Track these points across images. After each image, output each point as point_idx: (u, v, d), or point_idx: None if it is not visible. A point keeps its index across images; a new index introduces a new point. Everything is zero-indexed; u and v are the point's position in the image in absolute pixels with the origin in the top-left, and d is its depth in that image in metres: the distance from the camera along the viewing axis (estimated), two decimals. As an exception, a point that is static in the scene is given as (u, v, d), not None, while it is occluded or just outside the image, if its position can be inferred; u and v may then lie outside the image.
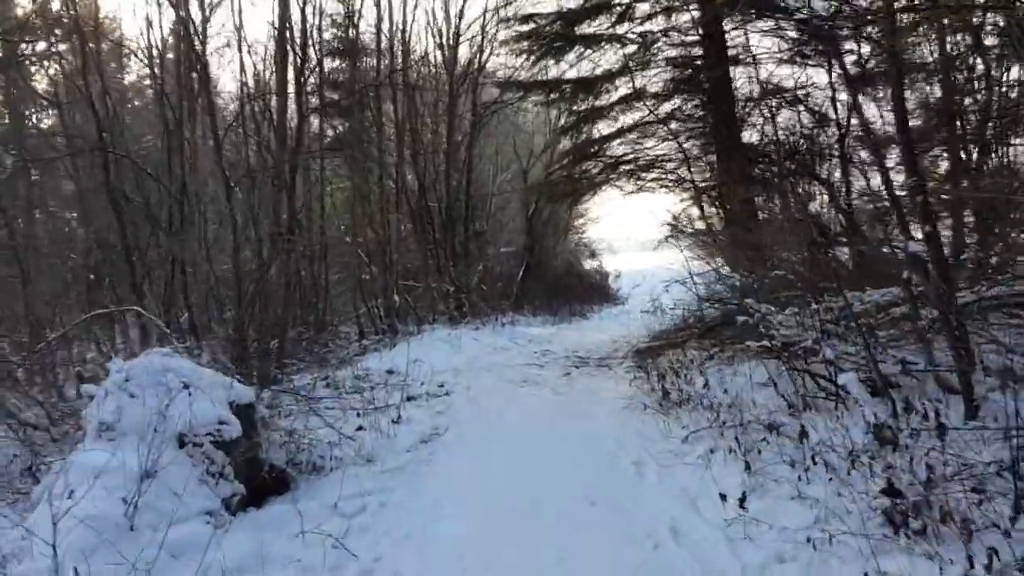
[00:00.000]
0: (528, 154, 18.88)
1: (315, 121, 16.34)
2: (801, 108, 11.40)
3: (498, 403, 7.67)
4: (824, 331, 5.73)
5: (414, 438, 6.50)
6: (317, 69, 15.08)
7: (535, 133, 21.33)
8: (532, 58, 11.04)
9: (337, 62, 17.54)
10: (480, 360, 11.08)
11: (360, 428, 6.72)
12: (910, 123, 11.92)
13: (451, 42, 16.91)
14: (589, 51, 10.48)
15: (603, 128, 11.79)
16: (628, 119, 11.40)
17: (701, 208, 12.21)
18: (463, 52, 17.64)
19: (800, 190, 11.29)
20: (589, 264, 21.18)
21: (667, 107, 11.51)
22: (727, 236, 10.94)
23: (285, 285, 11.40)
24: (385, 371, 10.59)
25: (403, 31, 16.05)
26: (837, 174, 11.22)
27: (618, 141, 11.69)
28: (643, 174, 11.27)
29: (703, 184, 11.93)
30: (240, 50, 12.70)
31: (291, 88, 12.39)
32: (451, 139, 17.05)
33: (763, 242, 9.82)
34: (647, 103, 11.53)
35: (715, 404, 6.09)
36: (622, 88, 11.32)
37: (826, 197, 11.11)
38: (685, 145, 11.90)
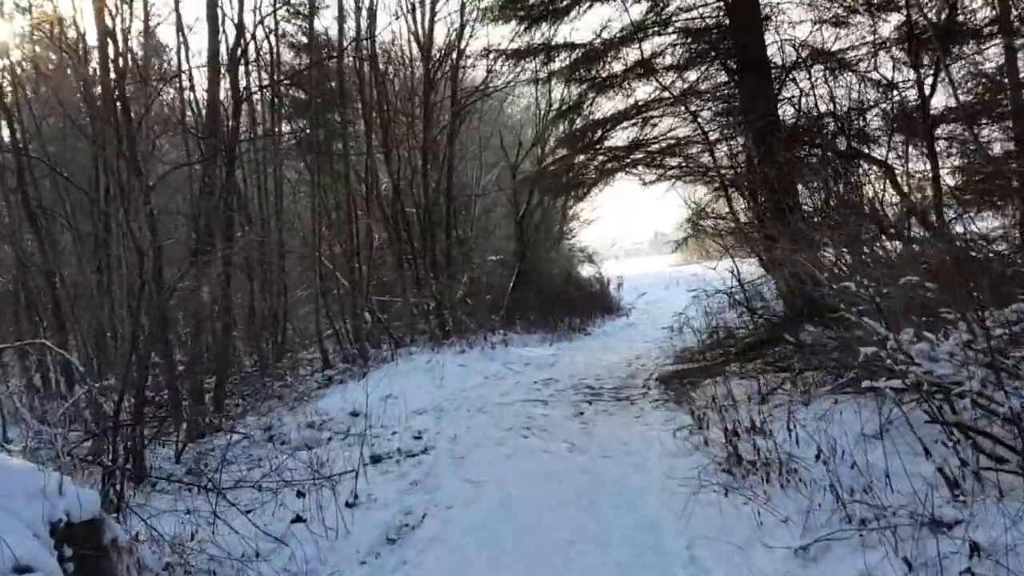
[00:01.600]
0: (516, 149, 16.96)
1: (267, 115, 14.34)
2: (851, 76, 9.55)
3: (495, 468, 5.67)
4: (995, 366, 3.80)
5: (375, 535, 4.50)
6: (269, 48, 13.14)
7: (524, 126, 19.44)
8: (525, 23, 9.09)
9: (295, 55, 15.54)
10: (468, 394, 9.09)
11: (297, 520, 4.71)
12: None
13: (427, 21, 14.97)
14: (597, 3, 8.52)
15: (608, 107, 9.84)
16: (641, 94, 9.48)
17: (729, 200, 10.30)
18: (440, 32, 15.73)
19: (852, 175, 9.43)
20: (586, 271, 19.27)
21: (688, 78, 9.59)
22: (769, 234, 9.05)
23: (224, 309, 9.36)
24: (348, 413, 8.60)
25: (370, 7, 14.08)
26: (893, 155, 9.41)
27: (627, 123, 9.74)
28: (666, 159, 9.33)
29: (732, 171, 10.01)
30: (180, 31, 10.59)
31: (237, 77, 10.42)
32: (428, 133, 15.09)
33: (820, 239, 7.93)
34: (660, 77, 9.62)
35: (823, 477, 4.14)
36: (633, 56, 9.40)
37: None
38: (708, 126, 10.00)
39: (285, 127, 15.16)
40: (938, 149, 9.13)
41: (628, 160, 9.03)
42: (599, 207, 20.25)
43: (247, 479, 5.60)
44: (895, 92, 9.09)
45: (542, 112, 17.61)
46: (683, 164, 9.46)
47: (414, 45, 15.65)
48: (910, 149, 9.34)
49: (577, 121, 9.93)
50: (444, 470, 5.75)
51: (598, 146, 9.31)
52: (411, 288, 15.11)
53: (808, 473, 4.26)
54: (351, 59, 13.92)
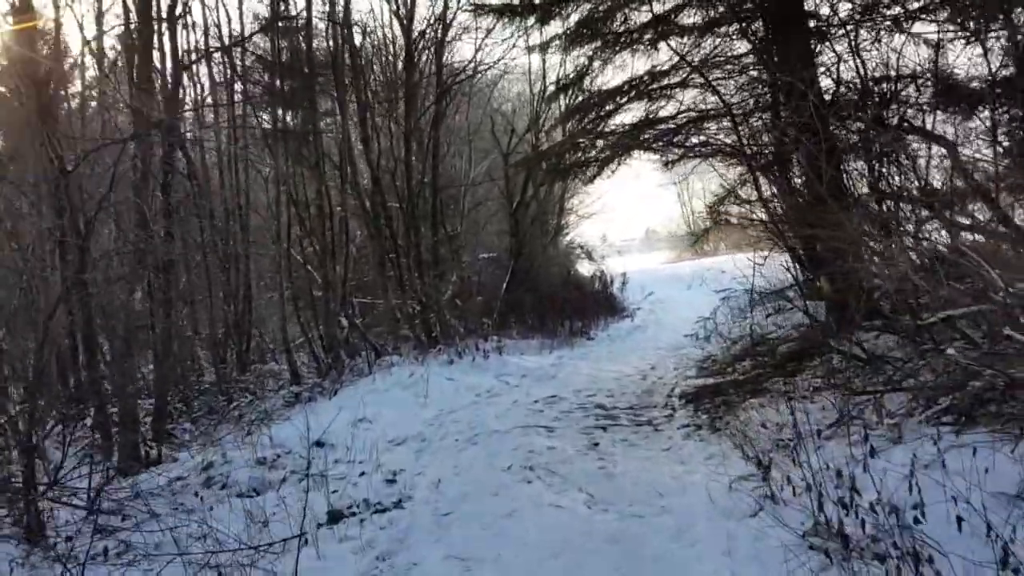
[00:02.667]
0: (509, 137, 15.56)
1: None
2: (902, 38, 8.19)
3: (491, 535, 4.28)
4: None
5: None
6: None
7: (516, 112, 18.04)
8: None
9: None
10: (457, 417, 7.72)
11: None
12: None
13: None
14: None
15: (616, 79, 8.45)
16: (655, 61, 8.10)
17: (758, 185, 8.93)
18: (423, 5, 14.31)
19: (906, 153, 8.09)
20: (586, 269, 17.88)
21: (709, 43, 8.22)
22: (814, 222, 7.70)
23: (165, 314, 7.92)
24: (312, 443, 7.18)
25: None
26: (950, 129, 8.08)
27: (637, 96, 8.35)
28: (689, 138, 7.95)
29: (763, 150, 8.66)
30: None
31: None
32: (411, 116, 13.67)
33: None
34: (678, 38, 8.24)
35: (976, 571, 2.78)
36: (643, 16, 8.01)
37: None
38: (734, 97, 8.64)
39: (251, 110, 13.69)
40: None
41: (645, 137, 7.62)
42: (599, 198, 18.97)
43: (136, 547, 4.21)
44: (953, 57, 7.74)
45: (536, 93, 16.18)
46: (707, 142, 8.07)
47: (395, 24, 14.25)
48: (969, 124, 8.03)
49: (579, 96, 8.53)
50: (422, 537, 4.35)
51: (606, 120, 7.92)
52: (394, 289, 13.72)
53: (952, 563, 2.89)
54: (323, 26, 12.47)
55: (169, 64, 8.56)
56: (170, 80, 8.39)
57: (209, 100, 13.01)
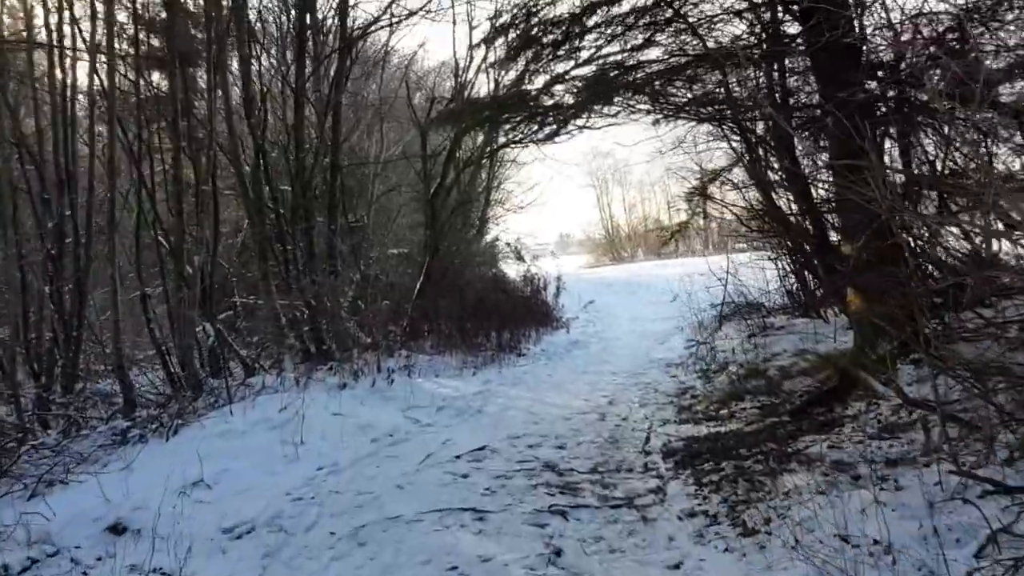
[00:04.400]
0: (429, 105, 13.15)
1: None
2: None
3: None
4: None
5: None
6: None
7: (440, 82, 15.65)
8: None
9: None
10: (340, 482, 5.32)
11: None
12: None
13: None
14: None
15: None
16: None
17: (760, 165, 6.89)
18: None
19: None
20: (513, 270, 15.62)
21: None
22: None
23: None
24: (107, 528, 4.65)
25: None
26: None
27: (604, 35, 6.11)
28: (670, 89, 5.79)
29: (765, 114, 6.62)
30: None
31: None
32: (302, 72, 11.11)
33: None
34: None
35: None
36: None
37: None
38: (732, 46, 6.55)
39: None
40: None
41: (637, 77, 5.41)
42: (532, 187, 16.70)
43: None
44: None
45: (466, 52, 13.82)
46: (707, 95, 5.94)
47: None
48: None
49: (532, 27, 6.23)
50: None
51: (569, 56, 5.67)
52: (282, 289, 11.14)
53: None
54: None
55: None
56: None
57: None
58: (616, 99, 5.67)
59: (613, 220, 65.13)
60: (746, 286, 9.90)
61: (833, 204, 6.44)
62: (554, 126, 6.09)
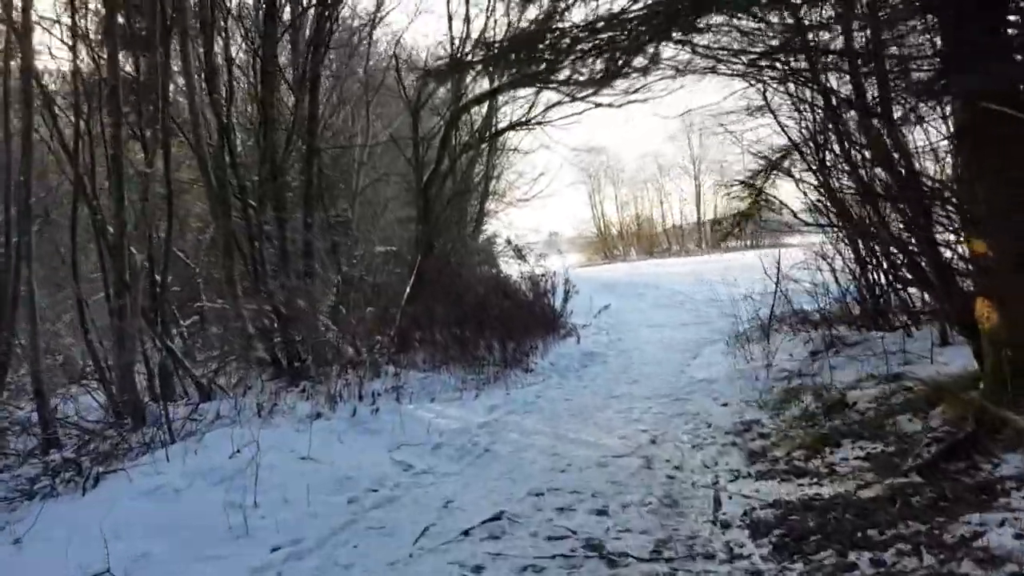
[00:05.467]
0: (419, 86, 11.61)
1: None
2: None
3: None
4: None
5: None
6: None
7: (431, 56, 14.08)
8: None
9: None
10: (301, 577, 3.79)
11: None
12: None
13: None
14: None
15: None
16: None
17: (844, 137, 5.41)
18: None
19: None
20: (515, 270, 14.07)
21: None
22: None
23: None
24: None
25: None
26: None
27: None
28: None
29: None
30: None
31: None
32: (271, 39, 9.56)
33: None
34: None
35: None
36: None
37: None
38: None
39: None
40: None
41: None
42: (537, 178, 15.22)
43: None
44: None
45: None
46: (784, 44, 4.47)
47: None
48: None
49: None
50: None
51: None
52: (250, 292, 9.66)
53: None
54: None
55: None
56: None
57: None
58: (677, 37, 4.17)
59: (605, 218, 63.75)
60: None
61: (953, 185, 4.97)
62: (591, 76, 4.57)
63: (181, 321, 11.56)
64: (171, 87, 10.20)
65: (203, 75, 9.70)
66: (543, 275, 12.15)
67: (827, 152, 6.22)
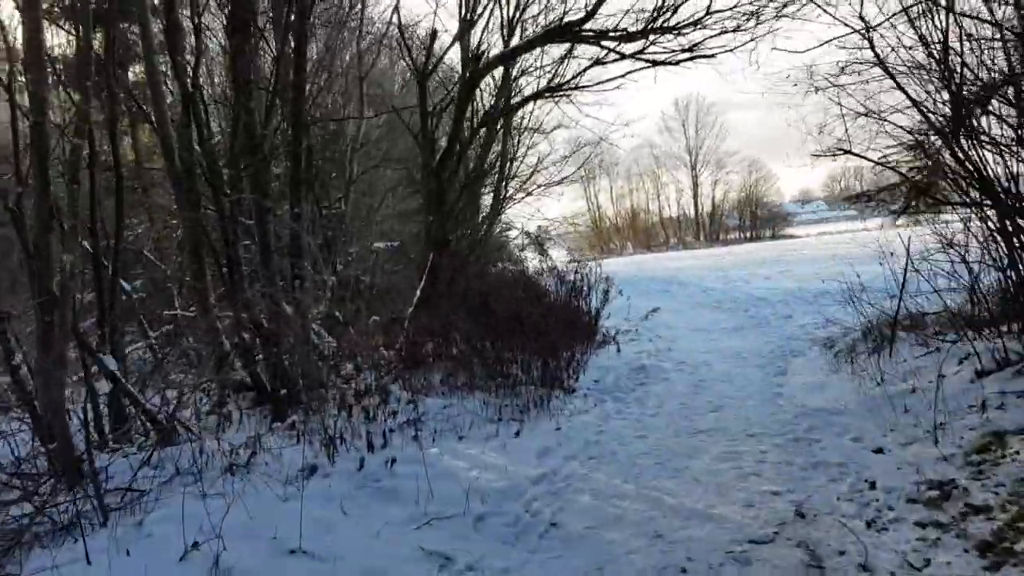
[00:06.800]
0: (429, 45, 9.76)
1: None
2: None
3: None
4: None
5: None
6: None
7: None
8: None
9: None
10: None
11: None
12: None
13: None
14: None
15: None
16: None
17: None
18: None
19: None
20: (534, 265, 12.21)
21: None
22: None
23: None
24: None
25: None
26: None
27: None
28: None
29: None
30: None
31: None
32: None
33: None
34: None
35: None
36: None
37: None
38: None
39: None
40: None
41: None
42: (575, 153, 13.38)
43: None
44: None
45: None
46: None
47: None
48: None
49: None
50: None
51: None
52: (223, 300, 7.94)
53: None
54: None
55: None
56: None
57: None
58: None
59: (600, 211, 61.96)
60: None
61: None
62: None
63: (150, 332, 9.81)
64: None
65: (164, 30, 7.91)
66: (576, 272, 10.34)
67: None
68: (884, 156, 5.88)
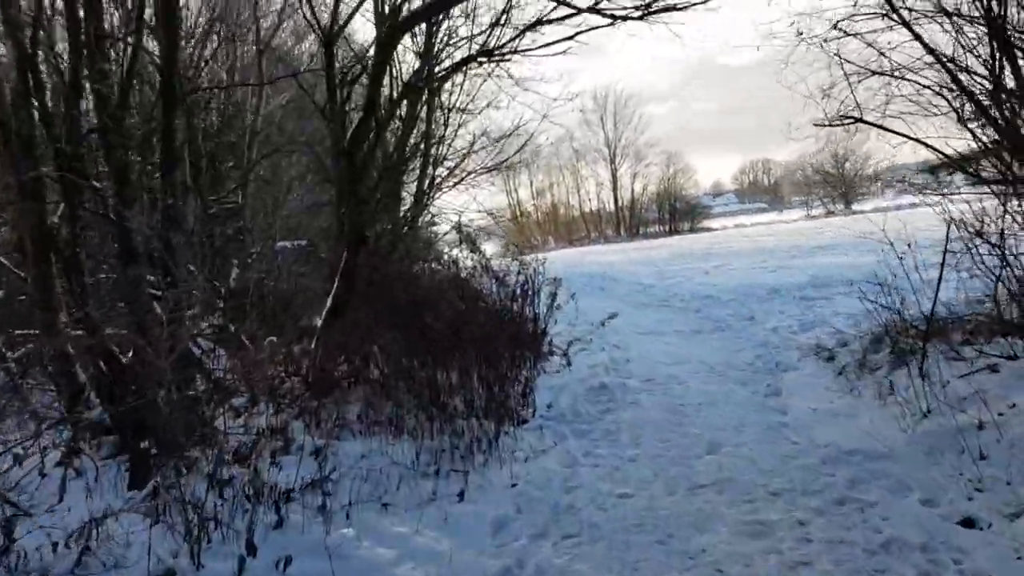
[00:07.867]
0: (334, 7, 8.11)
1: None
2: None
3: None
4: None
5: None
6: None
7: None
8: None
9: None
10: None
11: None
12: None
13: None
14: None
15: None
16: None
17: None
18: None
19: None
20: (464, 262, 10.69)
21: None
22: None
23: None
24: None
25: None
26: None
27: None
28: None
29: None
30: None
31: None
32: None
33: None
34: None
35: None
36: None
37: None
38: None
39: None
40: None
41: None
42: (512, 134, 11.90)
43: None
44: None
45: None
46: None
47: None
48: None
49: None
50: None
51: None
52: (71, 317, 6.20)
53: None
54: None
55: None
56: None
57: None
58: None
59: (521, 205, 60.78)
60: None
61: None
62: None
63: (8, 354, 7.90)
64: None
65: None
66: (519, 272, 8.86)
67: None
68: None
